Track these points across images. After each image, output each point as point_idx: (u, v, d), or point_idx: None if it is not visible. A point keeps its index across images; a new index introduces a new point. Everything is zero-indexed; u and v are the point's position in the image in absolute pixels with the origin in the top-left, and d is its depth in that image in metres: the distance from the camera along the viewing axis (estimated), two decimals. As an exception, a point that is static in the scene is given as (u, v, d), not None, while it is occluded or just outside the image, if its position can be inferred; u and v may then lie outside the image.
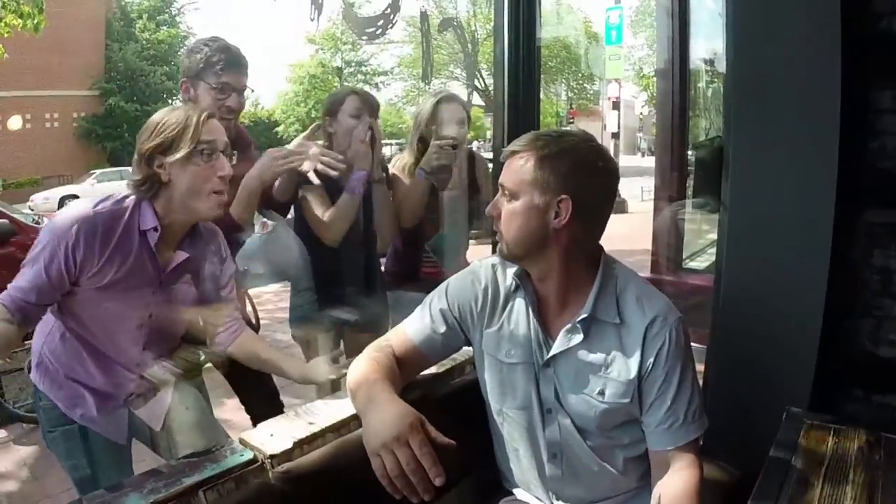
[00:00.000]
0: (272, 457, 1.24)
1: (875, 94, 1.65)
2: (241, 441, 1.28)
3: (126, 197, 1.65)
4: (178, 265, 1.72)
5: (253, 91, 2.22)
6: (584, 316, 1.39)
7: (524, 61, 2.29)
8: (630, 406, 1.39)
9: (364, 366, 1.41)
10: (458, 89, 29.73)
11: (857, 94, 1.62)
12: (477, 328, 1.51)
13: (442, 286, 1.57)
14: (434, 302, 1.54)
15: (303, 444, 1.30)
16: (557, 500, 1.52)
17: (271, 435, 1.30)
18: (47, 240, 1.57)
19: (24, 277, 1.58)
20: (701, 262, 4.09)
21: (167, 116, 1.64)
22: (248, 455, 1.23)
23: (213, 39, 2.16)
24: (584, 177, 1.34)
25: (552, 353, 1.42)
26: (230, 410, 2.79)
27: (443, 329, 1.52)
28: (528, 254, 1.40)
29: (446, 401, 1.61)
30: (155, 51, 28.92)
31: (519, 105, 2.29)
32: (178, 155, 1.60)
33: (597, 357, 1.39)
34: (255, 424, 1.41)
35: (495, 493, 1.62)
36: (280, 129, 28.98)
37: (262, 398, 2.48)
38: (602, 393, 1.39)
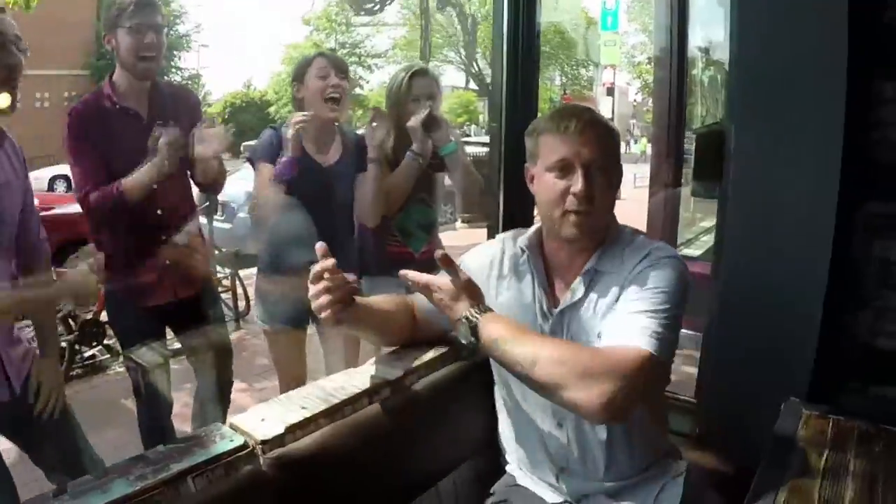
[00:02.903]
0: (263, 442, 1.21)
1: (879, 85, 1.62)
2: (232, 426, 1.25)
3: None
4: None
5: (170, 31, 2.28)
6: (587, 268, 1.41)
7: (524, 44, 2.24)
8: None
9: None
10: (454, 73, 29.54)
11: (862, 85, 1.60)
12: (489, 299, 1.48)
13: (459, 259, 1.56)
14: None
15: (295, 430, 1.26)
16: (561, 473, 1.50)
17: (262, 420, 1.27)
18: None
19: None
20: (695, 250, 4.08)
21: None
22: (239, 440, 1.19)
23: None
24: None
25: (559, 308, 1.43)
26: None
27: None
28: (606, 224, 1.44)
29: (451, 382, 1.59)
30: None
31: (518, 89, 2.25)
32: None
33: (599, 306, 1.40)
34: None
35: (495, 477, 1.61)
36: (272, 108, 28.68)
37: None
38: (600, 336, 1.36)
